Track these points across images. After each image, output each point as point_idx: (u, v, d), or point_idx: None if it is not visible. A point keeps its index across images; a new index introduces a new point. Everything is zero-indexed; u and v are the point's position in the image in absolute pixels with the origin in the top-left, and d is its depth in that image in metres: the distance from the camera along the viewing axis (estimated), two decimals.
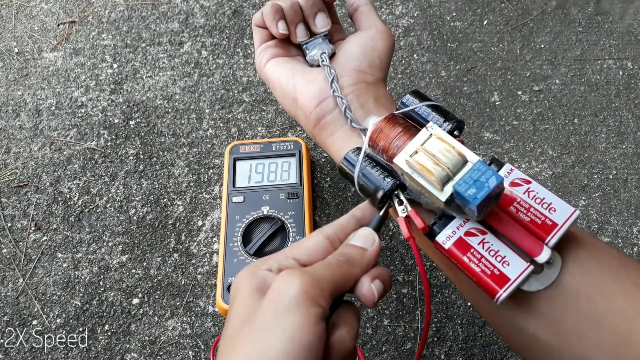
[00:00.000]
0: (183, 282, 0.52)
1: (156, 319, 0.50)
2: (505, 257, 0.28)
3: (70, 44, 0.70)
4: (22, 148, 0.61)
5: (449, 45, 0.67)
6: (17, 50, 0.69)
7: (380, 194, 0.32)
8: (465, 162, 0.28)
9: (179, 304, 0.51)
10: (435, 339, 0.49)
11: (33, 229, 0.56)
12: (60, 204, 0.57)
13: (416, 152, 0.29)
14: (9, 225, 0.56)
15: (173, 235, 0.55)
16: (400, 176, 0.32)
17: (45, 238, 0.55)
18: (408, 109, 0.34)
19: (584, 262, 0.28)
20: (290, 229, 0.52)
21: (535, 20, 0.69)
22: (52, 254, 0.54)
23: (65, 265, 0.53)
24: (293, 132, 0.61)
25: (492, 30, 0.68)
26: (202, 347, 0.49)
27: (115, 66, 0.67)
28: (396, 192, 0.32)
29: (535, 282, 0.28)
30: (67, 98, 0.65)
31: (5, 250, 0.55)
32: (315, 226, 0.55)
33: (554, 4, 0.71)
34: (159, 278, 0.53)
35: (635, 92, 0.63)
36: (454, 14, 0.70)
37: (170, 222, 0.56)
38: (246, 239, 0.52)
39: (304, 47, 0.40)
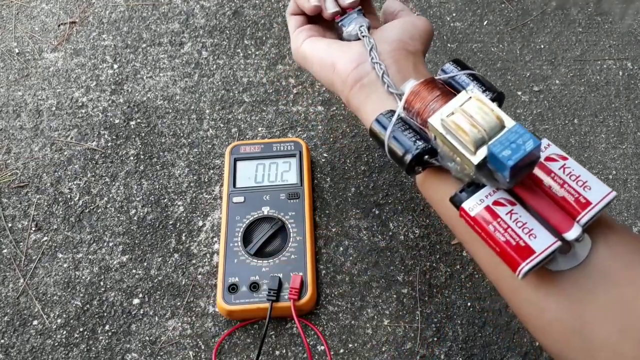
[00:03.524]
0: (183, 282, 0.52)
1: (156, 319, 0.50)
2: (532, 229, 0.27)
3: (70, 44, 0.70)
4: (23, 148, 0.61)
5: (449, 45, 0.67)
6: (17, 51, 0.69)
7: (408, 157, 0.31)
8: (503, 127, 0.27)
9: (179, 303, 0.51)
10: (435, 339, 0.49)
11: (33, 229, 0.56)
12: (61, 204, 0.57)
13: (452, 113, 0.28)
14: (9, 225, 0.56)
15: (173, 235, 0.55)
16: (431, 140, 0.31)
17: (45, 238, 0.55)
18: (447, 75, 0.34)
19: (613, 245, 0.27)
20: (291, 229, 0.52)
21: (535, 20, 0.69)
22: (53, 254, 0.54)
23: (65, 265, 0.54)
24: (293, 132, 0.62)
25: (492, 31, 0.68)
26: (203, 347, 0.49)
27: (115, 66, 0.67)
28: (426, 157, 0.31)
29: (561, 261, 0.27)
30: (67, 98, 0.65)
31: (5, 250, 0.55)
32: (315, 226, 0.55)
33: (553, 4, 0.71)
34: (159, 278, 0.53)
35: (634, 92, 0.63)
36: (454, 14, 0.70)
37: (170, 222, 0.56)
38: (246, 238, 0.52)
39: (340, 24, 0.40)
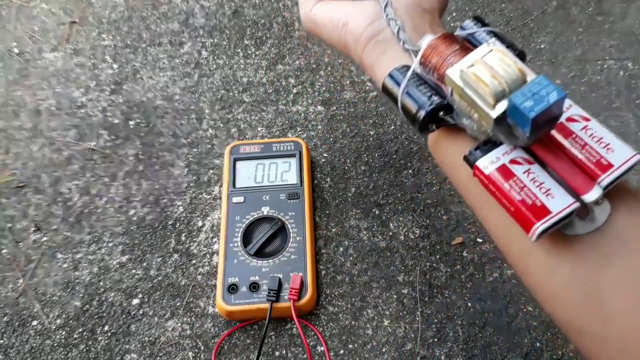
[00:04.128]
0: (183, 283, 0.52)
1: (156, 319, 0.50)
2: (549, 189, 0.26)
3: (70, 44, 0.69)
4: (22, 148, 0.61)
5: None
6: (17, 51, 0.69)
7: (422, 113, 0.30)
8: (525, 81, 0.26)
9: (178, 304, 0.51)
10: (435, 340, 0.49)
11: (33, 229, 0.56)
12: (60, 204, 0.57)
13: (472, 65, 0.27)
14: (9, 225, 0.56)
15: (173, 235, 0.55)
16: (447, 96, 0.30)
17: (45, 238, 0.55)
18: (467, 32, 0.32)
19: (635, 211, 0.26)
20: (291, 229, 0.52)
21: (535, 20, 0.69)
22: (52, 254, 0.54)
23: (64, 266, 0.53)
24: (293, 132, 0.61)
25: None
26: (202, 348, 0.49)
27: (115, 66, 0.67)
28: (441, 114, 0.30)
29: (578, 224, 0.26)
30: (66, 98, 0.65)
31: (5, 251, 0.54)
32: (315, 226, 0.55)
33: (554, 4, 0.70)
34: (159, 278, 0.52)
35: (635, 92, 0.63)
36: (454, 14, 0.70)
37: (169, 223, 0.56)
38: (246, 239, 0.52)
39: None
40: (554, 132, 0.28)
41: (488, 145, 0.28)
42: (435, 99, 0.30)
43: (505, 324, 0.49)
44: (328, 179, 0.58)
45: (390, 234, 0.55)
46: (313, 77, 0.65)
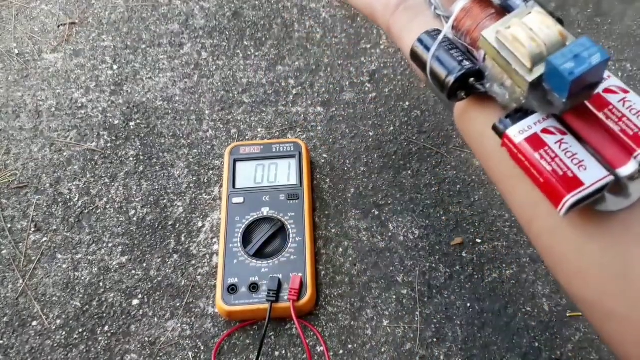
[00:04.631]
0: (183, 283, 0.52)
1: (156, 319, 0.50)
2: (582, 160, 0.24)
3: (70, 45, 0.70)
4: (22, 149, 0.61)
5: None
6: (17, 52, 0.69)
7: (452, 78, 0.28)
8: (565, 45, 0.24)
9: (178, 304, 0.51)
10: (435, 340, 0.49)
11: (33, 229, 0.56)
12: (60, 204, 0.57)
13: (509, 27, 0.26)
14: (9, 226, 0.56)
15: (172, 236, 0.55)
16: (480, 61, 0.28)
17: (45, 239, 0.55)
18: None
19: None
20: (290, 230, 0.52)
21: None
22: (52, 255, 0.54)
23: (64, 266, 0.53)
24: (293, 133, 0.62)
25: None
26: (202, 348, 0.49)
27: (115, 67, 0.67)
28: (471, 80, 0.28)
29: (610, 201, 0.25)
30: (67, 99, 0.65)
31: (5, 251, 0.55)
32: (315, 227, 0.55)
33: (553, 5, 0.71)
34: (159, 279, 0.53)
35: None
36: None
37: (169, 223, 0.56)
38: (246, 239, 0.52)
39: None
40: (588, 104, 0.26)
41: (519, 114, 0.27)
42: (467, 64, 0.28)
43: (504, 324, 0.50)
44: (328, 180, 0.58)
45: (390, 234, 0.55)
46: (312, 78, 0.66)
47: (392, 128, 0.61)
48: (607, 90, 0.26)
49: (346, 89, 0.64)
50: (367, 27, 0.69)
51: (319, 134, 0.61)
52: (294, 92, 0.65)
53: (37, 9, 0.73)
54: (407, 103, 0.63)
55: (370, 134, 0.61)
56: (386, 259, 0.53)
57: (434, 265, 0.53)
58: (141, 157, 0.60)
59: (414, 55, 0.31)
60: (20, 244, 0.55)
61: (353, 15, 0.70)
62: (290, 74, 0.66)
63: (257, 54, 0.68)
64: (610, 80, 0.27)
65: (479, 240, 0.54)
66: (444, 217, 0.56)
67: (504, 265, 0.53)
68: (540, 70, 0.24)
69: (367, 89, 0.64)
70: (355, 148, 0.60)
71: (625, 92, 0.26)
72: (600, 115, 0.26)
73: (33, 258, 0.54)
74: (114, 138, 0.62)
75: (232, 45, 0.69)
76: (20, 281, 0.53)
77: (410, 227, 0.55)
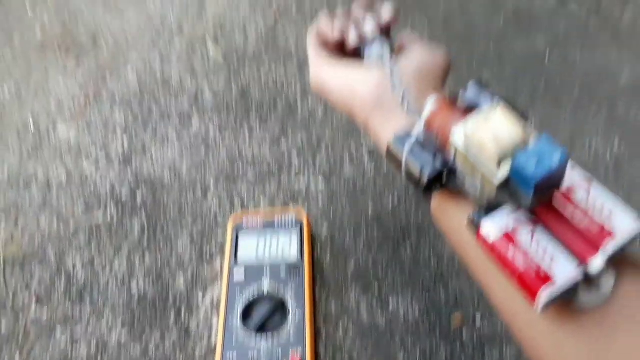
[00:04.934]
0: (182, 359, 0.52)
1: None
2: (553, 255, 0.25)
3: (84, 118, 0.73)
4: (30, 221, 0.62)
5: None
6: (32, 125, 0.72)
7: (426, 174, 0.30)
8: (528, 142, 0.26)
9: None
10: None
11: (34, 302, 0.56)
12: (63, 277, 0.58)
13: (475, 127, 0.27)
14: (11, 297, 0.56)
15: (173, 310, 0.55)
16: (451, 159, 0.30)
17: (45, 311, 0.55)
18: (469, 94, 0.32)
19: None
20: (291, 306, 0.52)
21: (524, 100, 0.73)
22: (51, 329, 0.54)
23: (63, 342, 0.53)
24: (294, 206, 0.63)
25: None
26: None
27: (125, 141, 0.70)
28: (444, 176, 0.30)
29: (582, 296, 0.25)
30: (77, 172, 0.67)
31: (4, 324, 0.55)
32: (315, 303, 0.55)
33: (542, 85, 0.74)
34: (158, 355, 0.52)
35: (621, 171, 0.65)
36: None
37: (170, 298, 0.56)
38: (246, 315, 0.52)
39: (362, 49, 0.41)
40: (556, 197, 0.27)
41: (492, 208, 0.28)
42: (439, 162, 0.30)
43: None
44: (328, 254, 0.59)
45: (390, 311, 0.55)
46: (314, 152, 0.68)
47: (391, 203, 0.63)
48: (572, 184, 0.28)
49: (346, 164, 0.67)
50: None
51: (320, 207, 0.63)
52: (297, 165, 0.67)
53: (55, 85, 0.77)
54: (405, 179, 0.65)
55: (370, 208, 0.63)
56: (387, 337, 0.53)
57: (434, 344, 0.53)
58: (146, 230, 0.61)
59: (390, 153, 0.33)
60: (20, 315, 0.55)
61: None
62: (293, 148, 0.69)
63: (261, 129, 0.71)
64: (575, 171, 0.28)
65: (479, 317, 0.54)
66: (443, 293, 0.56)
67: (505, 344, 0.52)
68: (506, 170, 0.26)
69: (366, 164, 0.67)
70: (355, 221, 0.62)
71: (589, 183, 0.27)
72: (568, 210, 0.27)
73: (32, 333, 0.54)
74: (120, 210, 0.63)
75: (238, 122, 0.72)
76: (17, 357, 0.52)
77: (411, 303, 0.55)
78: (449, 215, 0.33)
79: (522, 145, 0.26)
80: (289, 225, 0.58)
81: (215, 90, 0.76)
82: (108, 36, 0.84)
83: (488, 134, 0.26)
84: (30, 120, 0.73)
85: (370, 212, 0.62)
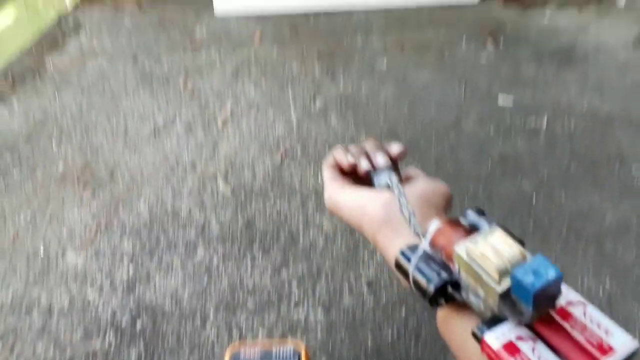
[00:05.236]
0: None
1: None
2: None
3: (93, 247, 0.76)
4: (26, 347, 0.62)
5: None
6: (42, 252, 0.75)
7: (432, 287, 0.31)
8: (525, 260, 0.28)
9: None
10: None
11: None
12: None
13: (477, 244, 0.29)
14: None
15: None
16: (455, 273, 0.32)
17: None
18: (469, 220, 0.36)
19: None
20: None
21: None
22: None
23: None
24: (293, 337, 0.63)
25: None
26: None
27: (131, 269, 0.72)
28: (449, 289, 0.31)
29: None
30: (80, 298, 0.68)
31: None
32: None
33: (531, 224, 0.78)
34: None
35: (615, 308, 0.66)
36: None
37: None
38: None
39: (372, 176, 0.45)
40: (554, 315, 0.29)
41: (495, 321, 0.29)
42: (444, 275, 0.32)
43: None
44: None
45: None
46: (314, 282, 0.70)
47: (390, 336, 0.63)
48: (569, 303, 0.29)
49: (346, 295, 0.68)
50: (365, 240, 0.76)
51: (318, 339, 0.63)
52: (296, 295, 0.68)
53: (69, 214, 0.82)
54: (404, 311, 0.66)
55: (369, 340, 0.62)
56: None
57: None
58: (142, 359, 0.61)
59: (398, 265, 0.37)
60: None
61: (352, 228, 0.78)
62: (294, 278, 0.70)
63: (263, 259, 0.74)
64: (570, 294, 0.30)
65: None
66: None
67: None
68: (507, 282, 0.28)
69: (365, 295, 0.68)
70: (354, 355, 0.61)
71: (584, 304, 0.29)
72: (566, 325, 0.28)
73: None
74: (119, 338, 0.63)
75: (241, 253, 0.75)
76: None
77: None
78: (454, 326, 0.34)
79: (520, 261, 0.28)
80: (287, 357, 0.58)
81: (222, 222, 0.80)
82: (125, 171, 0.91)
83: (489, 248, 0.29)
84: (41, 247, 0.76)
85: (369, 345, 0.62)
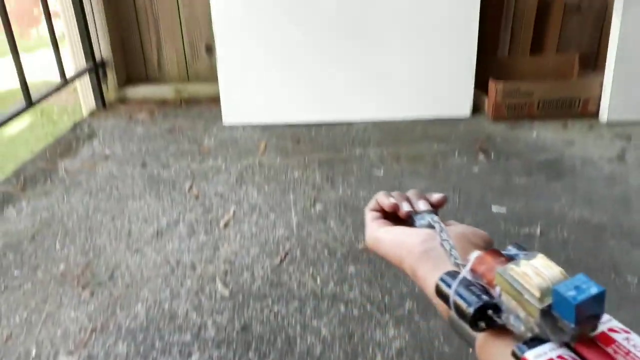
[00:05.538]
0: None
1: None
2: None
3: (86, 349, 0.74)
4: None
5: None
6: (34, 354, 0.73)
7: (472, 309, 0.32)
8: (566, 279, 0.29)
9: None
10: None
11: None
12: None
13: (519, 266, 0.30)
14: None
15: None
16: (496, 296, 0.32)
17: None
18: (510, 253, 0.36)
19: None
20: None
21: None
22: None
23: None
24: None
25: None
26: None
27: None
28: (489, 312, 0.32)
29: None
30: None
31: None
32: None
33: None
34: None
35: None
36: (442, 338, 0.76)
37: None
38: None
39: (414, 218, 0.47)
40: (597, 340, 0.29)
41: (535, 341, 0.30)
42: (485, 297, 0.33)
43: None
44: None
45: None
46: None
47: None
48: (611, 330, 0.30)
49: None
50: (364, 347, 0.75)
51: None
52: None
53: (64, 314, 0.81)
54: None
55: None
56: None
57: None
58: None
59: (438, 290, 0.37)
60: None
61: (353, 322, 0.77)
62: None
63: None
64: (613, 321, 0.31)
65: None
66: None
67: None
68: (548, 300, 0.29)
69: None
70: None
71: (627, 332, 0.30)
72: (609, 350, 0.29)
73: None
74: None
75: (237, 358, 0.73)
76: None
77: None
78: (494, 350, 0.35)
79: (561, 281, 0.30)
80: None
81: (218, 325, 0.79)
82: (125, 272, 0.92)
83: (530, 268, 0.31)
84: (33, 349, 0.75)
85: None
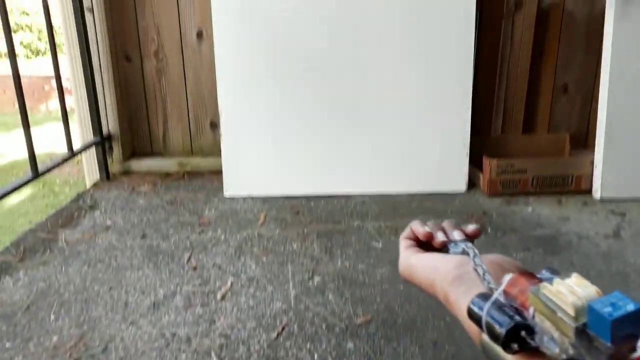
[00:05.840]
0: None
1: None
2: None
3: None
4: None
5: None
6: None
7: (504, 330, 0.31)
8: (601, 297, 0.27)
9: None
10: None
11: None
12: None
13: (554, 283, 0.29)
14: None
15: None
16: (529, 318, 0.31)
17: None
18: (544, 277, 0.35)
19: None
20: None
21: None
22: None
23: None
24: None
25: None
26: None
27: None
28: (522, 333, 0.31)
29: None
30: None
31: None
32: None
33: None
34: None
35: None
36: None
37: None
38: None
39: (449, 246, 0.47)
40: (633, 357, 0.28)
41: None
42: (517, 318, 0.32)
43: None
44: None
45: None
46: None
47: None
48: None
49: None
50: None
51: None
52: None
53: None
54: None
55: None
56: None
57: None
58: None
59: (470, 313, 0.36)
60: None
61: None
62: None
63: None
64: None
65: None
66: None
67: None
68: (583, 319, 0.28)
69: None
70: None
71: None
72: None
73: None
74: None
75: None
76: None
77: None
78: None
79: (596, 298, 0.29)
80: None
81: None
82: (119, 344, 0.90)
83: (565, 288, 0.30)
84: None
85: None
